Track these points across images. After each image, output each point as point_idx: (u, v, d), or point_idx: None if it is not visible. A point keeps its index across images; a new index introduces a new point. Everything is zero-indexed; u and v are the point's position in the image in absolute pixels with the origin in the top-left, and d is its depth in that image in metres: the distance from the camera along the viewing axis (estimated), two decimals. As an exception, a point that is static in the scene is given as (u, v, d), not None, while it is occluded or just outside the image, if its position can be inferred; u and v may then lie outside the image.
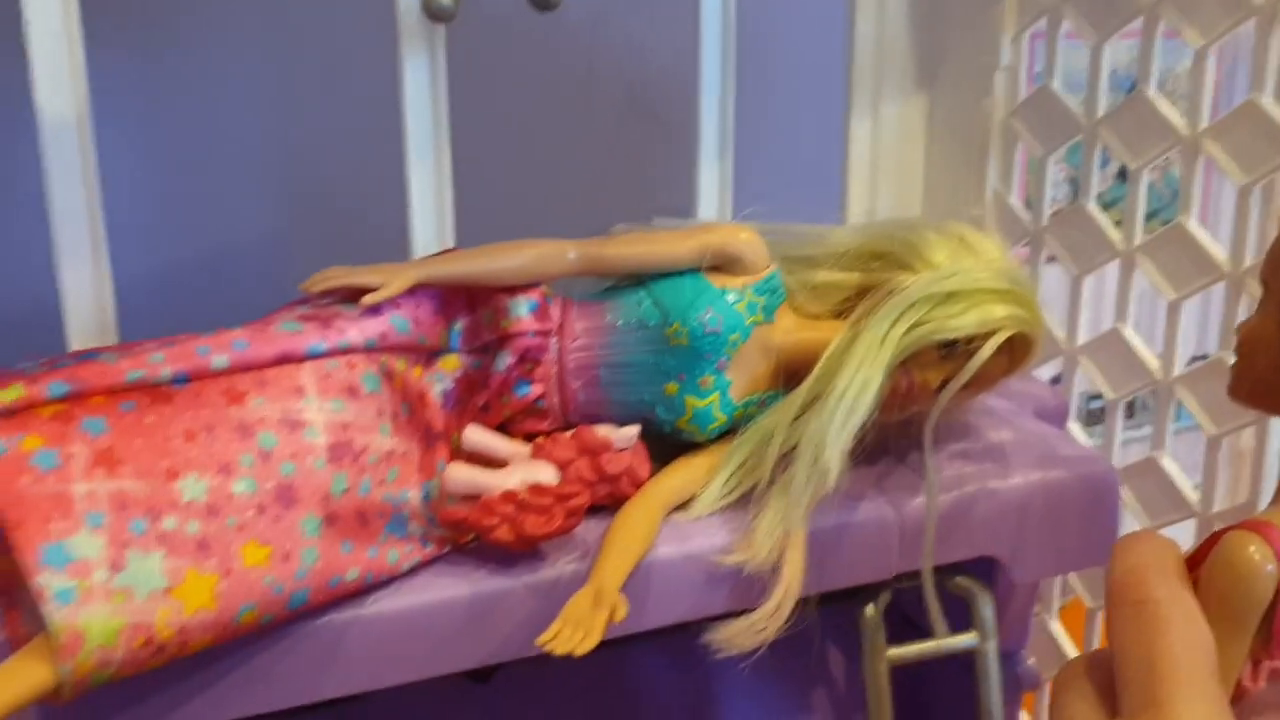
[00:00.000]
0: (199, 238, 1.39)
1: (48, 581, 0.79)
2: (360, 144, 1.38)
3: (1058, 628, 1.46)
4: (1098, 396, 1.59)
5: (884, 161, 1.43)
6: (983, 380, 1.09)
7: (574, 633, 0.91)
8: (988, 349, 1.05)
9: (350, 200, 1.41)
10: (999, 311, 1.05)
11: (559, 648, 0.90)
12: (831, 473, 1.03)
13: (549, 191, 1.22)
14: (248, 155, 1.40)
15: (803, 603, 1.04)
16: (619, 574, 0.97)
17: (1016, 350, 1.08)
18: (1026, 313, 1.06)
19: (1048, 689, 1.50)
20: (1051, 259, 1.42)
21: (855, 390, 1.03)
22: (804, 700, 1.45)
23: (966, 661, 1.33)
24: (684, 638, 1.49)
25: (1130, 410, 1.46)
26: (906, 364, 1.06)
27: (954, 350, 1.06)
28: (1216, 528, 0.65)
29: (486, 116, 1.39)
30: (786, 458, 1.07)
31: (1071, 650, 1.46)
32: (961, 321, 1.04)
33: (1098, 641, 1.43)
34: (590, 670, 1.46)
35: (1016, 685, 1.39)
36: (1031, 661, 1.40)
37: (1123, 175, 1.78)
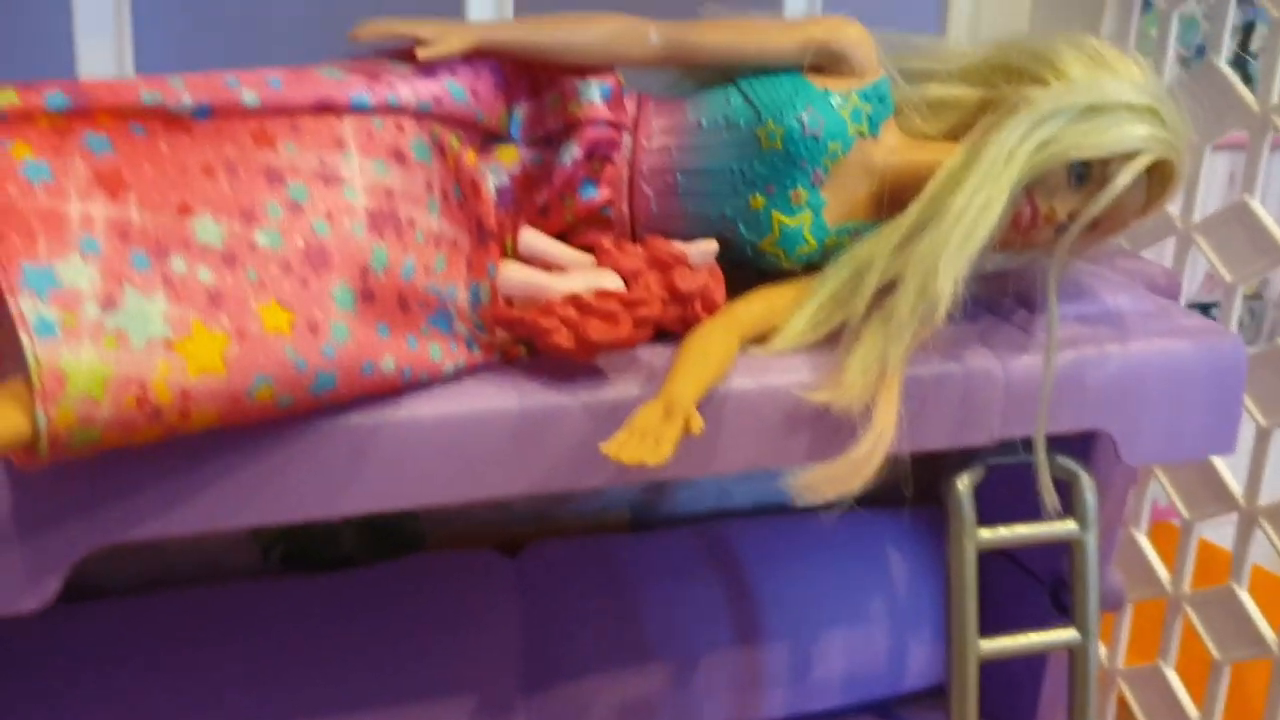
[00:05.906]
0: (229, 17, 1.27)
1: (30, 307, 0.66)
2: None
3: (1146, 543, 1.32)
4: (1202, 305, 1.46)
5: (986, 13, 1.29)
6: (1115, 217, 0.95)
7: (642, 442, 0.77)
8: (1126, 174, 0.90)
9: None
10: (1140, 130, 0.90)
11: (626, 456, 0.76)
12: (942, 303, 0.89)
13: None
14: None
15: (893, 460, 0.91)
16: (693, 388, 0.83)
17: (1155, 182, 0.94)
18: (1171, 136, 0.92)
19: (1129, 613, 1.36)
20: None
21: (975, 211, 0.89)
22: (849, 603, 1.32)
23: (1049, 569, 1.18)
24: (717, 529, 1.37)
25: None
26: (1032, 189, 0.92)
27: (1087, 176, 0.92)
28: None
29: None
30: (885, 292, 0.93)
31: (1162, 572, 1.31)
32: (1099, 140, 0.90)
33: (1190, 563, 1.28)
34: (622, 554, 1.33)
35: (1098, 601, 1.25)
36: (1118, 577, 1.26)
37: (1236, 63, 1.64)
